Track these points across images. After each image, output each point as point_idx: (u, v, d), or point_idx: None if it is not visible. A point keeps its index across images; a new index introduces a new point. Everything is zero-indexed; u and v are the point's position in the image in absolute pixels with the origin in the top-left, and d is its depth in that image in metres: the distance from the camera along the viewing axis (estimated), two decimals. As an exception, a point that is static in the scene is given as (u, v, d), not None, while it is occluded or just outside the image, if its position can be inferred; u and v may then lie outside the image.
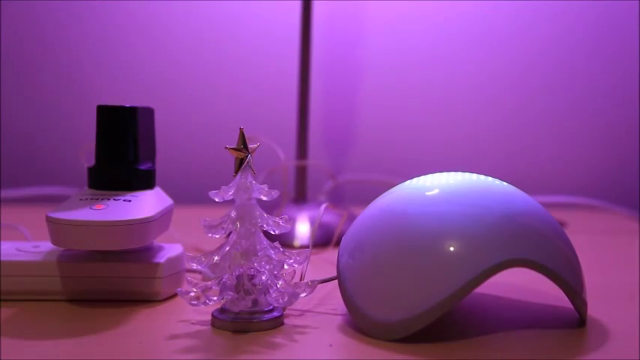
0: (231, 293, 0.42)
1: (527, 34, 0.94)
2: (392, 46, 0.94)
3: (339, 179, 0.91)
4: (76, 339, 0.41)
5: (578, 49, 0.94)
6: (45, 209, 0.49)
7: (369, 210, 0.46)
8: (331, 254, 0.61)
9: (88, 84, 0.94)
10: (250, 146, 0.43)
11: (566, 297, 0.43)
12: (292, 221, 0.46)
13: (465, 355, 0.39)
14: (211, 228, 0.43)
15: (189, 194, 0.86)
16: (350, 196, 0.95)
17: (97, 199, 0.48)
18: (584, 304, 0.43)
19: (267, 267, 0.43)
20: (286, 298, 0.43)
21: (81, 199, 0.48)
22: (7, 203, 0.86)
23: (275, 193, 0.43)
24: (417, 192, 0.44)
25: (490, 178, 0.45)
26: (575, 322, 0.45)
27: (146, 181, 0.51)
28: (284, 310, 0.45)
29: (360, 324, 0.42)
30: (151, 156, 0.53)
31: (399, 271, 0.41)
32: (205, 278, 0.48)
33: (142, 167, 0.51)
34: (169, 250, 0.51)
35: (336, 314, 0.46)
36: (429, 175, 0.46)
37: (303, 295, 0.44)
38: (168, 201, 0.53)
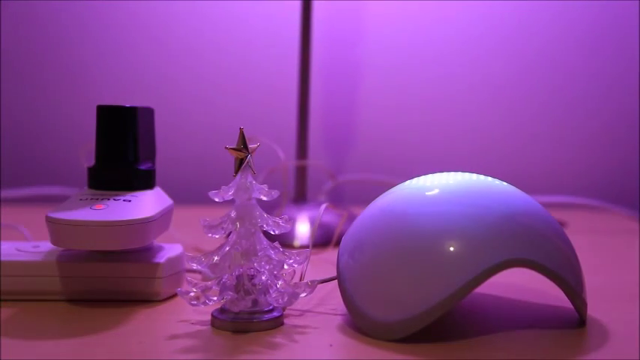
0: (231, 293, 0.42)
1: (527, 34, 0.94)
2: (392, 46, 0.94)
3: (339, 179, 0.91)
4: (76, 339, 0.41)
5: (578, 48, 0.94)
6: (45, 209, 0.49)
7: (369, 210, 0.46)
8: (331, 254, 0.61)
9: (89, 84, 0.94)
10: (250, 146, 0.43)
11: (566, 297, 0.43)
12: (292, 221, 0.46)
13: (465, 355, 0.39)
14: (211, 228, 0.43)
15: (189, 194, 0.87)
16: (350, 196, 0.95)
17: (97, 199, 0.48)
18: (584, 304, 0.43)
19: (267, 267, 0.43)
20: (286, 298, 0.43)
21: (81, 199, 0.48)
22: (7, 203, 0.86)
23: (275, 193, 0.43)
24: (417, 192, 0.44)
25: (490, 178, 0.45)
26: (575, 322, 0.45)
27: (146, 181, 0.51)
28: (284, 310, 0.45)
29: (360, 324, 0.42)
30: (151, 156, 0.53)
31: (399, 271, 0.41)
32: (205, 278, 0.48)
33: (142, 167, 0.51)
34: (169, 250, 0.51)
35: (336, 314, 0.46)
36: (429, 175, 0.46)
37: (303, 295, 0.44)
38: (168, 201, 0.53)
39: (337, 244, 0.63)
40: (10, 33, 0.93)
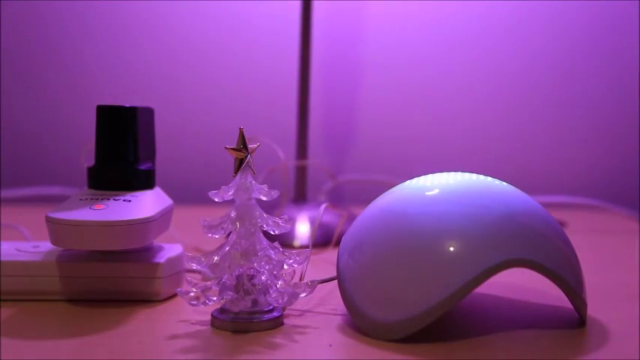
0: (230, 293, 0.42)
1: (527, 33, 0.94)
2: (392, 46, 0.94)
3: (339, 179, 0.91)
4: (76, 339, 0.41)
5: (578, 47, 0.94)
6: (45, 209, 0.49)
7: (369, 210, 0.46)
8: (331, 254, 0.61)
9: (90, 84, 0.94)
10: (250, 146, 0.43)
11: (566, 297, 0.43)
12: (292, 221, 0.46)
13: (465, 355, 0.39)
14: (211, 228, 0.43)
15: (189, 194, 0.87)
16: (350, 196, 0.95)
17: (97, 199, 0.48)
18: (584, 304, 0.43)
19: (267, 267, 0.43)
20: (286, 298, 0.43)
21: (81, 199, 0.48)
22: (7, 203, 0.86)
23: (275, 193, 0.43)
24: (417, 192, 0.44)
25: (490, 178, 0.45)
26: (575, 322, 0.45)
27: (146, 181, 0.51)
28: (284, 310, 0.45)
29: (360, 324, 0.42)
30: (151, 156, 0.53)
31: (398, 271, 0.41)
32: (205, 278, 0.48)
33: (142, 167, 0.51)
34: (169, 250, 0.51)
35: (336, 314, 0.46)
36: (429, 175, 0.46)
37: (302, 295, 0.44)
38: (168, 201, 0.53)
39: (337, 244, 0.63)
40: (10, 33, 0.93)
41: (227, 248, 0.43)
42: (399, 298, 0.41)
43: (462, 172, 0.46)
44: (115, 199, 0.48)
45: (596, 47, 0.94)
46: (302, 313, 0.46)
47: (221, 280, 0.43)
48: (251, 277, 0.43)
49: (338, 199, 0.94)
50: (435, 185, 0.44)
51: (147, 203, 0.49)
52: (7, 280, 0.47)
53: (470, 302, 0.48)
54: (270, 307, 0.44)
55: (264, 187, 0.44)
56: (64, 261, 0.48)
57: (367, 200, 0.49)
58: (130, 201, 0.48)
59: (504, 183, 0.45)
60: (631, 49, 0.93)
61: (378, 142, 0.95)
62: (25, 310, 0.46)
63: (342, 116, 0.95)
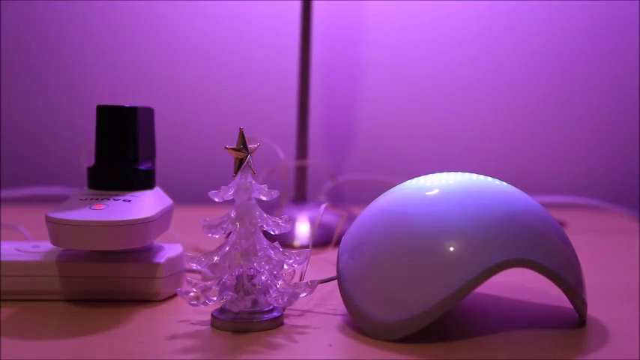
0: (230, 293, 0.42)
1: (528, 33, 0.94)
2: (392, 45, 0.94)
3: (339, 179, 0.91)
4: (76, 339, 0.41)
5: (578, 47, 0.94)
6: (45, 209, 0.49)
7: (369, 210, 0.46)
8: (331, 254, 0.61)
9: (90, 84, 0.94)
10: (250, 146, 0.43)
11: (566, 297, 0.43)
12: (292, 221, 0.46)
13: (465, 355, 0.39)
14: (211, 228, 0.43)
15: (189, 194, 0.87)
16: (350, 196, 0.95)
17: (97, 199, 0.48)
18: (584, 304, 0.43)
19: (267, 267, 0.43)
20: (286, 298, 0.43)
21: (81, 199, 0.48)
22: (7, 203, 0.86)
23: (275, 193, 0.43)
24: (417, 192, 0.44)
25: (490, 178, 0.45)
26: (575, 322, 0.45)
27: (146, 181, 0.51)
28: (284, 310, 0.45)
29: (360, 324, 0.42)
30: (151, 156, 0.53)
31: (398, 271, 0.41)
32: (205, 278, 0.48)
33: (142, 167, 0.51)
34: (169, 250, 0.51)
35: (336, 314, 0.46)
36: (429, 175, 0.46)
37: (302, 295, 0.44)
38: (168, 201, 0.52)
39: (337, 244, 0.63)
40: (10, 33, 0.93)
41: (227, 248, 0.43)
42: (399, 298, 0.41)
43: (462, 172, 0.46)
44: (115, 199, 0.48)
45: (596, 47, 0.94)
46: (302, 313, 0.46)
47: (221, 280, 0.43)
48: (251, 277, 0.43)
49: (338, 199, 0.94)
50: (435, 185, 0.44)
51: (147, 203, 0.49)
52: (7, 280, 0.47)
53: (470, 302, 0.48)
54: (270, 307, 0.44)
55: (264, 187, 0.44)
56: (64, 261, 0.48)
57: (367, 200, 0.49)
58: (129, 201, 0.48)
59: (504, 183, 0.45)
60: (631, 49, 0.93)
61: (378, 142, 0.95)
62: (25, 310, 0.46)
63: (342, 116, 0.95)
